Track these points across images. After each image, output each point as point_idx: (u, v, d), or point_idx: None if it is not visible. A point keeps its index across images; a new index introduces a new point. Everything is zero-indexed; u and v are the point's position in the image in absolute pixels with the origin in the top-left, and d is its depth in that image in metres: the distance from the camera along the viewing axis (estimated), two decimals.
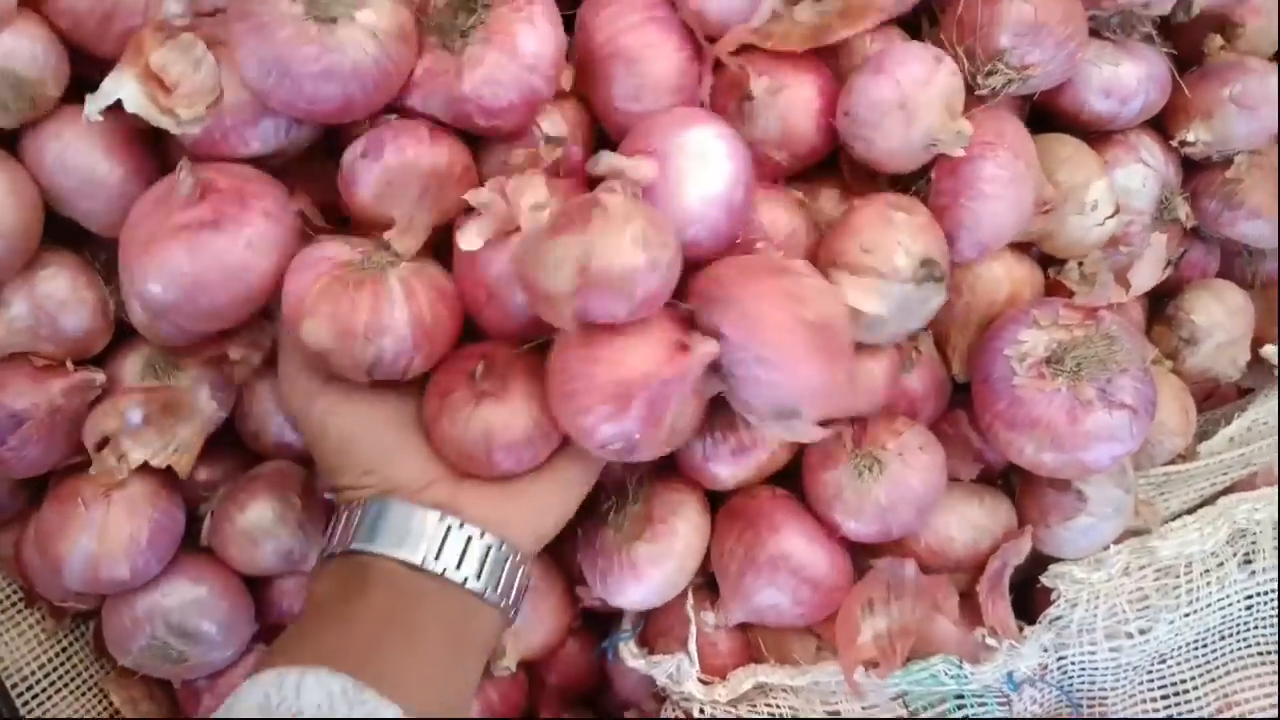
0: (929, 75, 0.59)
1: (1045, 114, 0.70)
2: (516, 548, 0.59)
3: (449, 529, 0.57)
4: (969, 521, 0.68)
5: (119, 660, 0.69)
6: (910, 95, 0.59)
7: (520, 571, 0.59)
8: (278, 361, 0.61)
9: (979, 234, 0.62)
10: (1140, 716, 0.70)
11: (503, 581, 0.58)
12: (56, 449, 0.66)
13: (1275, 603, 0.70)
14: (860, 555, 0.67)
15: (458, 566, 0.56)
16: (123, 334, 0.67)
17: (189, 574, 0.68)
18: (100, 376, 0.66)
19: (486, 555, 0.57)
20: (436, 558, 0.56)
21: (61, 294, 0.64)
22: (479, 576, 0.57)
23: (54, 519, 0.65)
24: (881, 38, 0.65)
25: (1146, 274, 0.68)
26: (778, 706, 0.66)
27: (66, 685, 0.71)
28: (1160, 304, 0.76)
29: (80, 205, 0.62)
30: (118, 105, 0.56)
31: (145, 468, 0.65)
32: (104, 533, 0.65)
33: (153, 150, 0.63)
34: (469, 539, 0.57)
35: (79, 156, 0.61)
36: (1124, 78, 0.67)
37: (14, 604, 0.71)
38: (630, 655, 0.69)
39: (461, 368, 0.58)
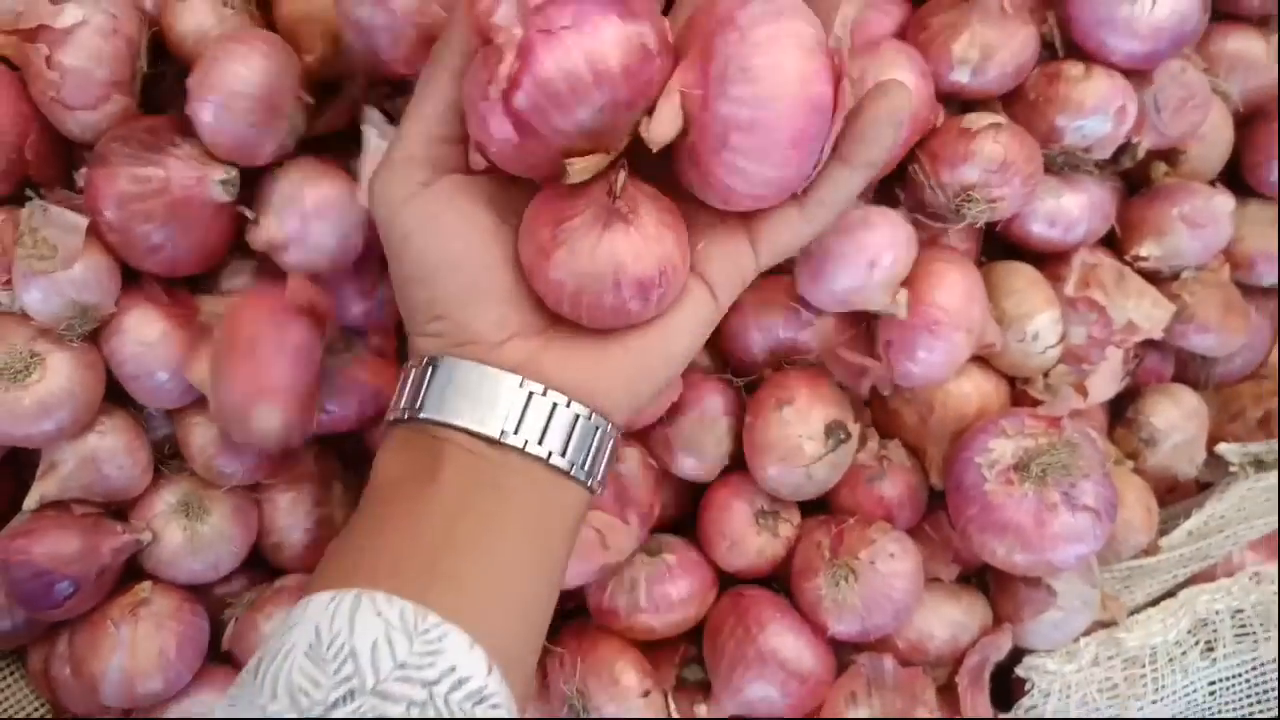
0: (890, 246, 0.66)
1: (1002, 239, 0.75)
2: (608, 417, 0.52)
3: (530, 396, 0.50)
4: (948, 619, 0.72)
5: None
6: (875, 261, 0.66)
7: (610, 444, 0.53)
8: (381, 160, 0.53)
9: (914, 380, 0.70)
10: None
11: (591, 455, 0.52)
12: (99, 596, 0.69)
13: (1236, 688, 0.74)
14: (844, 650, 0.71)
15: (540, 440, 0.50)
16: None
17: (218, 684, 0.71)
18: (147, 537, 0.69)
19: (574, 426, 0.51)
20: (516, 430, 0.50)
21: (112, 451, 0.67)
22: (564, 451, 0.51)
23: (86, 641, 0.69)
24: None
25: (1103, 385, 0.73)
26: None
27: None
28: (1121, 408, 0.80)
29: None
30: None
31: (166, 584, 0.70)
32: (135, 650, 0.68)
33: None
34: (554, 407, 0.51)
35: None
36: (1066, 208, 0.72)
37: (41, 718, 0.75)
38: None
39: (579, 190, 0.49)
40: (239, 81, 0.61)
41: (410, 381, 0.52)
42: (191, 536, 0.69)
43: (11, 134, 0.63)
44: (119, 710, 0.71)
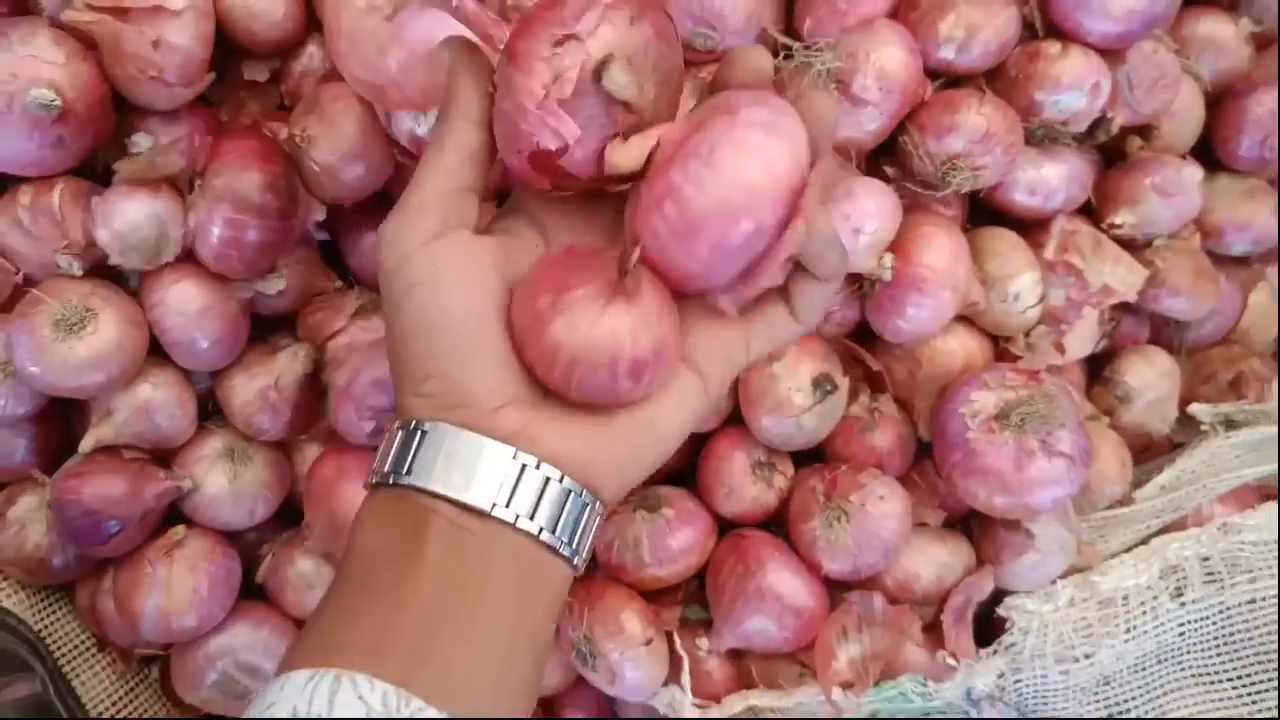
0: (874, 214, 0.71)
1: (986, 207, 0.80)
2: (597, 495, 0.51)
3: (523, 468, 0.49)
4: (934, 560, 0.77)
5: (186, 698, 0.77)
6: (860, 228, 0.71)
7: (596, 522, 0.52)
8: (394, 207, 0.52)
9: (903, 335, 0.75)
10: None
11: (580, 533, 0.50)
12: (142, 537, 0.75)
13: (1203, 630, 0.79)
14: (837, 589, 0.76)
15: (531, 515, 0.49)
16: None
17: (252, 618, 0.76)
18: (188, 483, 0.74)
19: (565, 501, 0.49)
20: (507, 504, 0.48)
21: (164, 402, 0.73)
22: (555, 528, 0.49)
23: (127, 579, 0.74)
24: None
25: (1080, 342, 0.78)
26: None
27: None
28: (1099, 369, 0.85)
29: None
30: None
31: (200, 528, 0.75)
32: (170, 589, 0.73)
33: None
34: (546, 480, 0.49)
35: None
36: (1046, 177, 0.77)
37: (89, 649, 0.80)
38: None
39: (581, 262, 0.50)
40: None
41: (397, 443, 0.50)
42: (234, 479, 0.75)
43: (96, 109, 0.68)
44: (158, 645, 0.77)
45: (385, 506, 0.50)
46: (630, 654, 0.74)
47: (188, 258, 0.70)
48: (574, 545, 0.50)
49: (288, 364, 0.74)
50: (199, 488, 0.75)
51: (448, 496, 0.48)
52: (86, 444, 0.71)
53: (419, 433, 0.49)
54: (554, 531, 0.49)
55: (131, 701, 0.80)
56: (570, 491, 0.50)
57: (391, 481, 0.50)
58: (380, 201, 0.74)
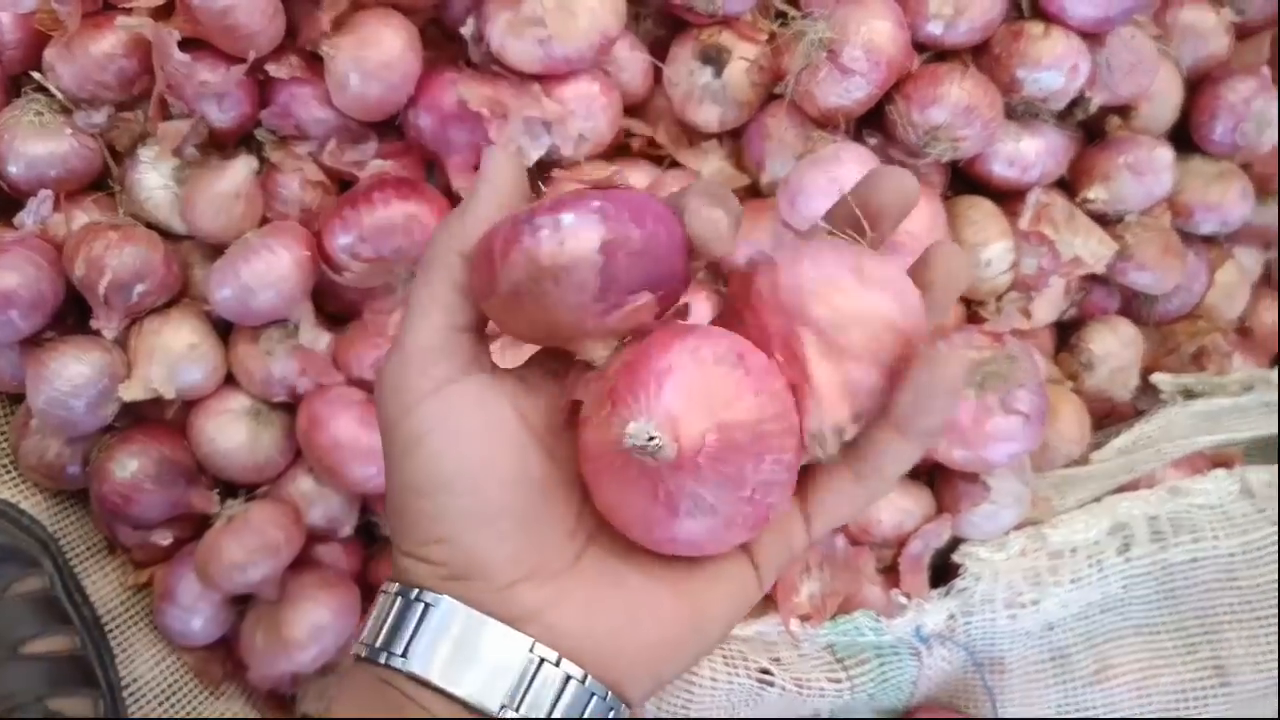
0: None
1: (967, 177, 0.84)
2: (624, 697, 0.42)
3: (540, 663, 0.40)
4: (895, 507, 0.81)
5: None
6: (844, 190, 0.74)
7: None
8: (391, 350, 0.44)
9: None
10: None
11: None
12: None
13: (1146, 585, 0.84)
14: None
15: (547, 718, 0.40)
16: None
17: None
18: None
19: (585, 706, 0.41)
20: (518, 707, 0.40)
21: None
22: None
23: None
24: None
25: (1046, 309, 0.83)
26: (729, 652, 0.79)
27: (144, 619, 0.84)
28: (1068, 338, 0.90)
29: None
30: None
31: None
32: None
33: None
34: (566, 680, 0.41)
35: None
36: (1024, 151, 0.81)
37: (100, 551, 0.85)
38: None
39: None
40: None
41: (393, 613, 0.42)
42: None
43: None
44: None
45: (368, 689, 0.43)
46: None
47: None
48: None
49: None
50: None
51: (446, 691, 0.40)
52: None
53: (421, 604, 0.42)
54: None
55: (140, 602, 0.85)
56: (594, 695, 0.41)
57: (383, 661, 0.42)
58: None
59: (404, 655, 0.41)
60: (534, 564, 0.42)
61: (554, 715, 0.40)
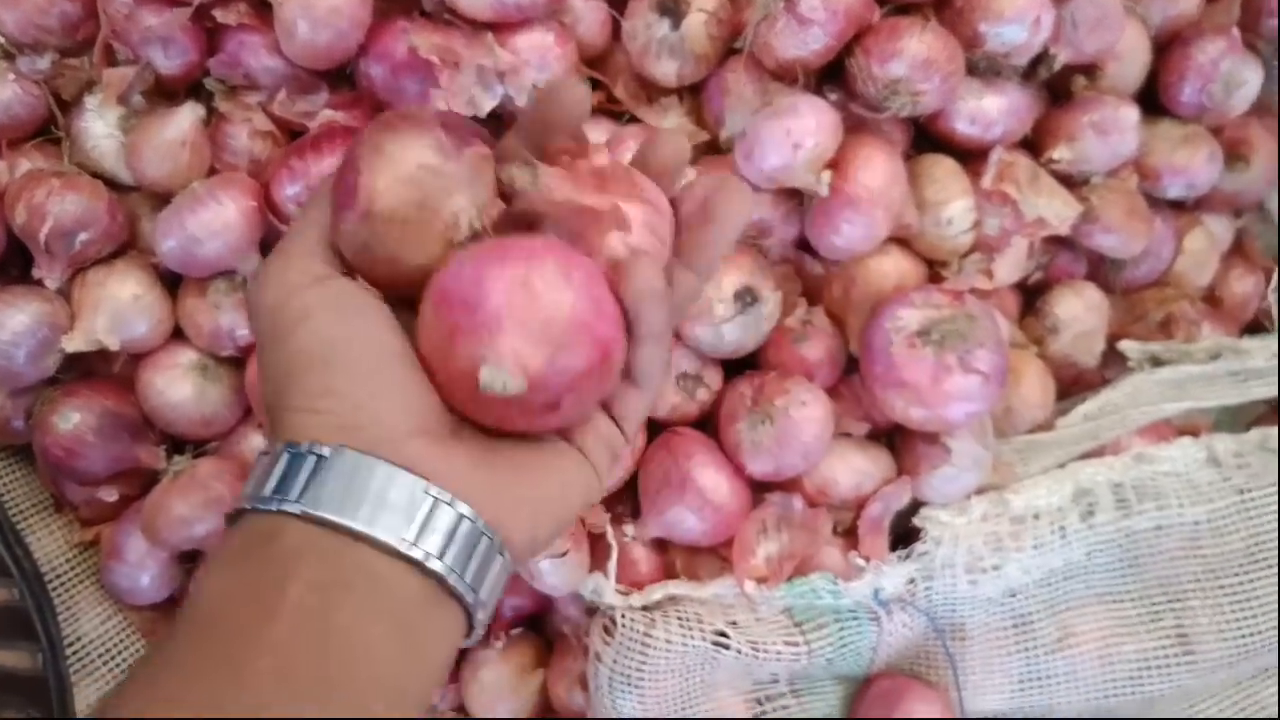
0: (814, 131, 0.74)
1: (931, 136, 0.83)
2: (508, 544, 0.45)
3: (435, 503, 0.42)
4: (854, 468, 0.80)
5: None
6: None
7: (504, 580, 0.46)
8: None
9: (838, 252, 0.79)
10: None
11: (486, 584, 0.44)
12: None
13: (1109, 552, 0.83)
14: (760, 492, 0.80)
15: (440, 555, 0.42)
16: None
17: None
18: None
19: (476, 545, 0.43)
20: (415, 541, 0.42)
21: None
22: (465, 572, 0.43)
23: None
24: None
25: (1007, 269, 0.81)
26: (685, 614, 0.78)
27: (90, 578, 0.83)
28: (1034, 303, 0.89)
29: None
30: None
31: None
32: None
33: None
34: (459, 520, 0.43)
35: None
36: (986, 108, 0.80)
37: (45, 508, 0.84)
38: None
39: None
40: None
41: (279, 467, 0.43)
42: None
43: None
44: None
45: (246, 541, 0.43)
46: (547, 563, 0.77)
47: None
48: (480, 596, 0.44)
49: None
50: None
51: (346, 527, 0.41)
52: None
53: (313, 456, 0.42)
54: (464, 575, 0.43)
55: (86, 561, 0.83)
56: (484, 536, 0.44)
57: (276, 509, 0.42)
58: None
59: (298, 500, 0.42)
60: (419, 422, 0.44)
61: (449, 550, 0.43)
